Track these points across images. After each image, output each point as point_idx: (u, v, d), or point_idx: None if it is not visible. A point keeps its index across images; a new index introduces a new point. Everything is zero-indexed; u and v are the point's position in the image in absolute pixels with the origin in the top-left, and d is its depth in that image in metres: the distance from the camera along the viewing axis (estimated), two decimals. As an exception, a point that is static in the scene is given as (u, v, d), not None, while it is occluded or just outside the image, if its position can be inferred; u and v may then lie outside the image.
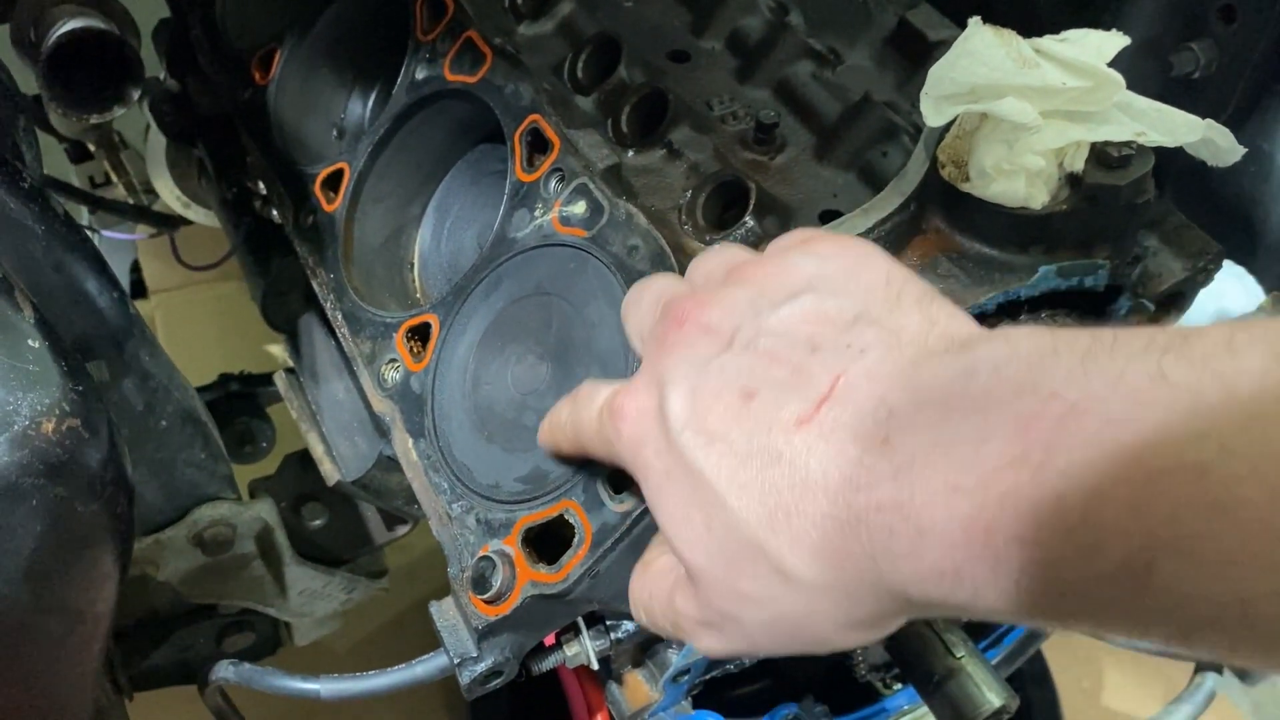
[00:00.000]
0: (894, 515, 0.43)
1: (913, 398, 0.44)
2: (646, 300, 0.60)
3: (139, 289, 2.16)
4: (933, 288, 0.52)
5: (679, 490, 0.51)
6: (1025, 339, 0.42)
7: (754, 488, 0.47)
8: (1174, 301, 0.76)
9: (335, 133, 1.07)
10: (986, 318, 0.71)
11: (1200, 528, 0.35)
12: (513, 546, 0.70)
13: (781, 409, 0.48)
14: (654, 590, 0.57)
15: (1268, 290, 0.90)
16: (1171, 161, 0.71)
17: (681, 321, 0.54)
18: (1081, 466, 0.37)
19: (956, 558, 0.41)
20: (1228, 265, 0.79)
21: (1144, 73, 0.86)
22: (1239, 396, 0.35)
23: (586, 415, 0.60)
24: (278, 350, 1.90)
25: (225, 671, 0.87)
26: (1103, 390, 0.38)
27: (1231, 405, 0.35)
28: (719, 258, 0.60)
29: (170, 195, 1.46)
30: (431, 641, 0.74)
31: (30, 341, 0.64)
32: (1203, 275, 0.75)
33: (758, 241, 0.70)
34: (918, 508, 0.42)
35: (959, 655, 0.94)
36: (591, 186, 0.76)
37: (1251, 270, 0.90)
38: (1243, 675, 1.58)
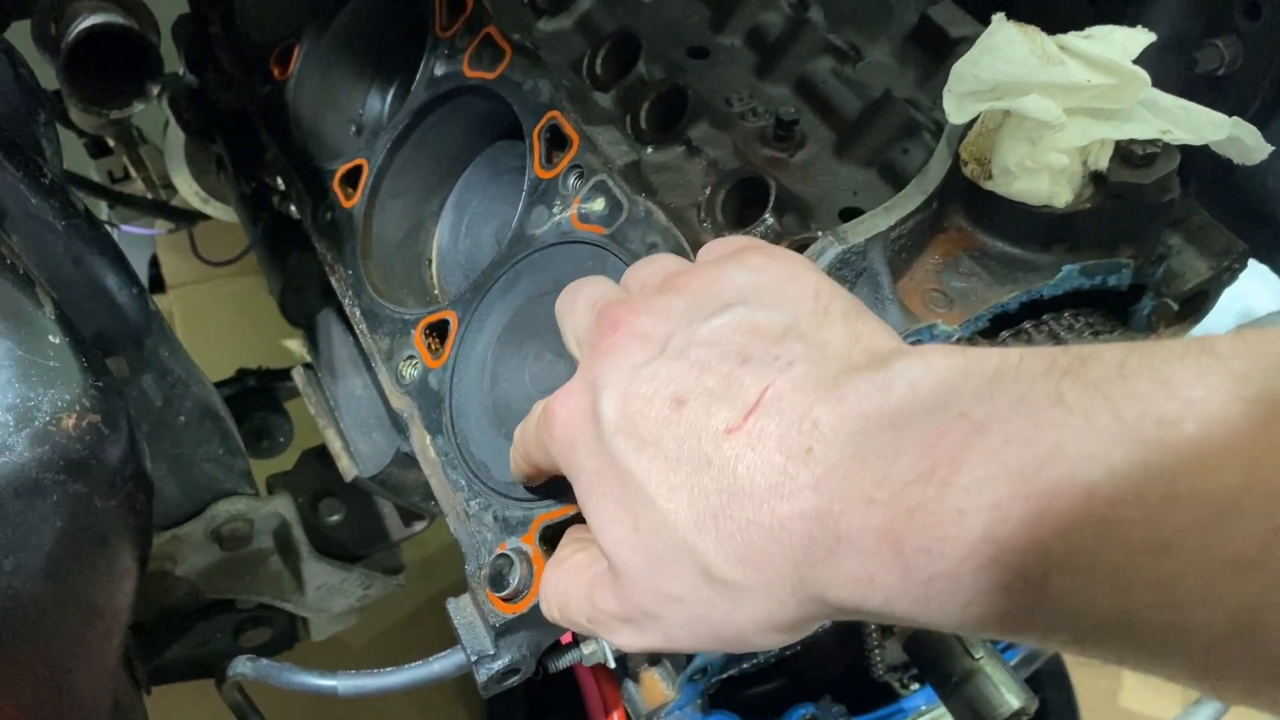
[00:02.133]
0: (813, 523, 0.45)
1: (834, 410, 0.46)
2: (581, 304, 0.62)
3: (157, 284, 2.17)
4: (859, 303, 0.54)
5: (609, 491, 0.52)
6: (940, 357, 0.45)
7: (683, 491, 0.49)
8: (1198, 301, 0.76)
9: (354, 129, 1.07)
10: (1009, 317, 0.70)
11: (1089, 544, 0.37)
12: (530, 544, 0.70)
13: (711, 417, 0.49)
14: (570, 586, 0.58)
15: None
16: (1196, 159, 0.70)
17: (615, 327, 0.55)
18: (982, 483, 0.40)
19: (870, 566, 0.43)
20: (1252, 264, 0.78)
21: (1168, 69, 0.85)
22: (1125, 420, 0.37)
23: (527, 426, 0.62)
24: (295, 345, 1.90)
25: (243, 667, 0.87)
26: (1005, 410, 0.40)
27: (1118, 429, 0.37)
28: (654, 265, 0.62)
29: (189, 191, 1.47)
30: (448, 638, 0.74)
31: (51, 337, 0.64)
32: (1227, 274, 0.75)
33: (778, 238, 0.70)
34: (835, 517, 0.44)
35: (977, 656, 0.94)
36: (610, 183, 0.76)
37: (1276, 269, 0.89)
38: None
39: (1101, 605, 0.38)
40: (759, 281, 0.54)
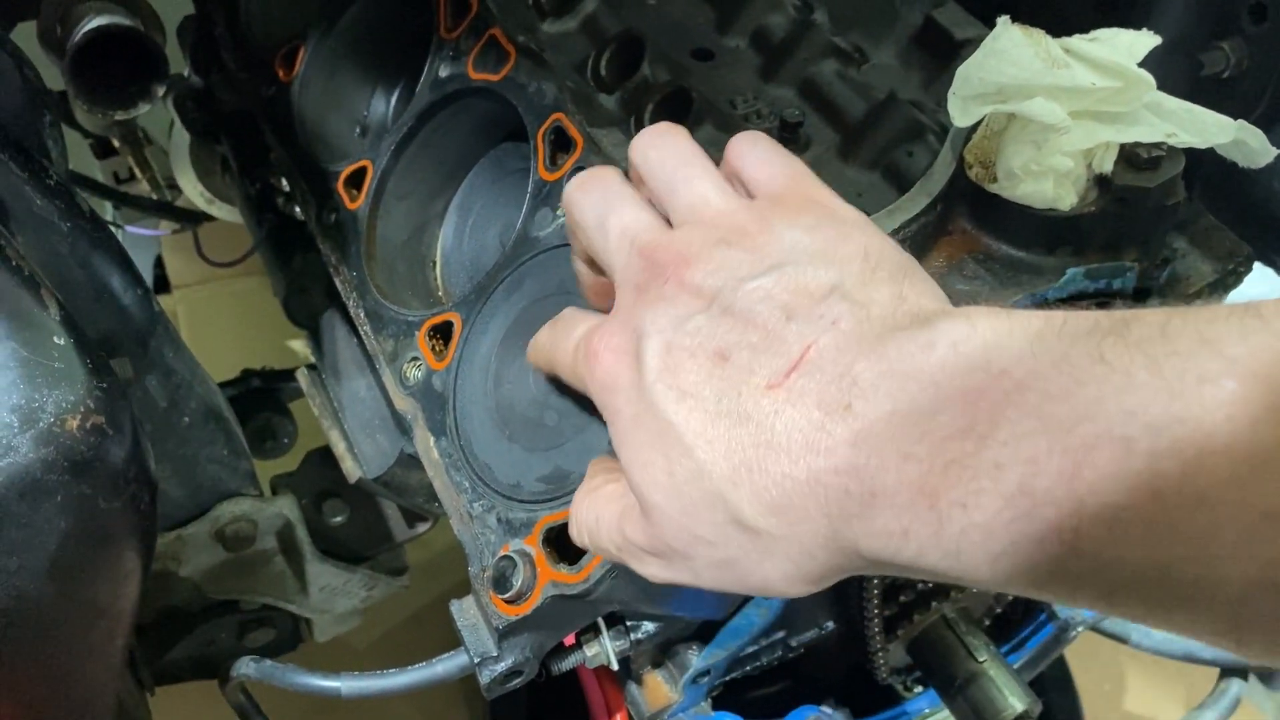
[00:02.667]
0: (849, 478, 0.45)
1: (875, 368, 0.46)
2: (613, 231, 0.60)
3: (162, 284, 2.17)
4: (911, 262, 0.54)
5: (645, 435, 0.53)
6: (984, 318, 0.45)
7: (721, 443, 0.50)
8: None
9: (358, 130, 1.07)
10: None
11: (1124, 497, 0.38)
12: (534, 546, 0.70)
13: (753, 373, 0.50)
14: (601, 514, 0.58)
15: (1298, 293, 0.89)
16: (1201, 162, 0.70)
17: (664, 277, 0.55)
18: (1019, 438, 0.40)
19: (904, 519, 0.44)
20: (1258, 268, 0.78)
21: (1173, 72, 0.85)
22: (1165, 376, 0.38)
23: (563, 346, 0.63)
24: (300, 346, 1.90)
25: (247, 668, 0.87)
26: (1047, 368, 0.41)
27: (1158, 385, 0.38)
28: (696, 194, 0.59)
29: (194, 191, 1.47)
30: (452, 639, 0.74)
31: (55, 338, 0.65)
32: (1232, 278, 0.75)
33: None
34: (872, 471, 0.44)
35: (981, 659, 0.94)
36: (615, 185, 0.76)
37: (1281, 272, 0.89)
38: (1268, 680, 1.57)
39: (1133, 558, 0.38)
40: (810, 240, 0.54)
